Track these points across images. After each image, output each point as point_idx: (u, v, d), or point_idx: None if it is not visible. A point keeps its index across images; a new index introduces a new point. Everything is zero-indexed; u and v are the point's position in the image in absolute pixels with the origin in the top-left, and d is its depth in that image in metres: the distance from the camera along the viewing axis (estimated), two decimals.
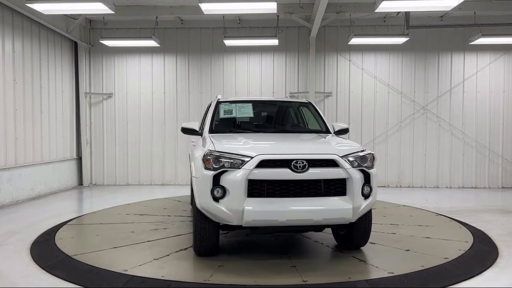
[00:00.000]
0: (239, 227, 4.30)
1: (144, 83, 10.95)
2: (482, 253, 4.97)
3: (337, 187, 4.31)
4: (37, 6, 7.19)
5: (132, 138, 11.00)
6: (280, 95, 10.68)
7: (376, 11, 7.49)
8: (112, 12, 7.43)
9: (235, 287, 3.91)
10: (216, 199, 4.17)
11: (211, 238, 4.51)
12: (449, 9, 7.66)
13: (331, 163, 4.28)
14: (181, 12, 9.79)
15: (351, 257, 4.79)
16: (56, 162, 9.86)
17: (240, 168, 4.16)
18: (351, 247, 5.01)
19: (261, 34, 10.52)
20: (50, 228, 6.08)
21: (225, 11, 8.26)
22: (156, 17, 10.12)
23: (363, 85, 10.71)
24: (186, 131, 5.43)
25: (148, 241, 5.37)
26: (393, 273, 4.22)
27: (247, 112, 5.87)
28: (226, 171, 4.17)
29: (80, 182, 10.95)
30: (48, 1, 7.13)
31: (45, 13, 7.83)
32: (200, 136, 5.48)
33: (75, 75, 10.81)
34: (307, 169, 4.18)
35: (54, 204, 8.40)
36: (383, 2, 7.01)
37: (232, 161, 4.21)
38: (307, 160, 4.20)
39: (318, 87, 10.64)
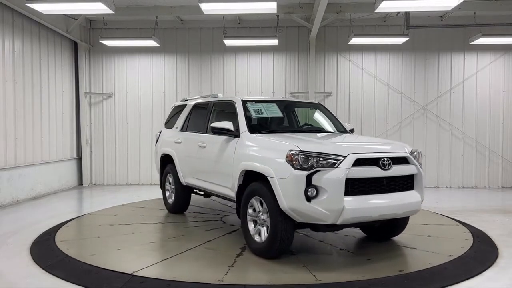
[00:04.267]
0: (310, 225, 4.43)
1: (144, 83, 10.95)
2: (482, 253, 4.97)
3: (408, 182, 4.63)
4: (37, 6, 7.19)
5: (132, 138, 11.00)
6: (280, 95, 10.68)
7: (376, 11, 7.49)
8: (112, 12, 7.43)
9: (234, 287, 3.91)
10: (309, 199, 4.14)
11: (289, 239, 4.48)
12: (449, 9, 7.66)
13: (404, 161, 4.61)
14: (181, 12, 9.79)
15: (400, 246, 5.16)
16: (56, 162, 9.86)
17: (335, 167, 4.16)
18: (383, 238, 5.36)
19: (261, 34, 10.52)
20: (50, 228, 6.07)
21: (225, 11, 8.26)
22: (156, 17, 10.12)
23: (363, 85, 10.71)
24: (218, 130, 5.26)
25: (188, 249, 4.97)
26: (452, 255, 4.70)
27: (276, 112, 5.80)
28: (319, 170, 4.14)
29: (80, 182, 10.96)
30: (48, 1, 7.13)
31: (45, 13, 7.83)
32: (234, 137, 5.23)
33: (75, 75, 10.81)
34: (391, 166, 4.41)
35: (54, 204, 8.40)
36: (383, 2, 7.01)
37: (324, 160, 4.19)
38: (390, 158, 4.45)
39: (318, 87, 10.64)
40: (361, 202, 4.21)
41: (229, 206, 7.58)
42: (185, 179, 6.55)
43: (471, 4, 9.11)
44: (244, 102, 5.58)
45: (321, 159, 4.19)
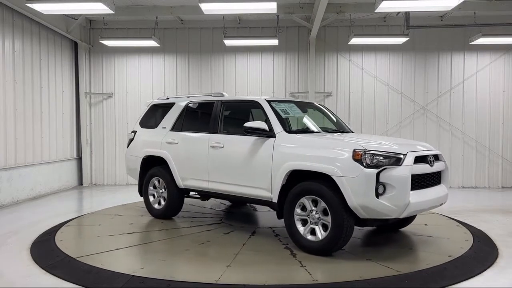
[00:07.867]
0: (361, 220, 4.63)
1: (144, 83, 10.95)
2: (482, 253, 4.97)
3: (438, 177, 5.12)
4: (37, 6, 7.20)
5: None
6: (280, 95, 10.69)
7: (376, 11, 7.49)
8: (112, 12, 7.43)
9: (236, 287, 3.91)
10: (377, 196, 4.33)
11: (350, 235, 4.65)
12: (449, 9, 7.66)
13: (437, 158, 5.08)
14: (181, 12, 9.80)
15: (415, 235, 5.61)
16: (56, 162, 9.86)
17: (400, 165, 4.42)
18: (393, 230, 5.83)
19: (261, 34, 10.52)
20: (50, 228, 6.07)
21: (225, 11, 8.26)
22: (156, 17, 10.13)
23: (363, 85, 10.71)
24: (253, 130, 5.18)
25: (235, 254, 4.77)
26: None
27: (298, 112, 5.84)
28: (386, 168, 4.36)
29: (80, 182, 10.96)
30: (48, 1, 7.14)
31: (45, 13, 7.84)
32: (267, 137, 5.19)
33: (75, 75, 10.82)
34: (434, 163, 4.89)
35: (54, 204, 8.41)
36: (383, 2, 7.01)
37: (389, 158, 4.43)
38: (433, 156, 4.93)
39: (318, 87, 10.64)
40: (419, 196, 4.55)
41: (210, 208, 7.43)
42: (184, 182, 6.19)
43: (471, 4, 9.11)
44: (269, 102, 5.58)
45: (388, 157, 4.43)
